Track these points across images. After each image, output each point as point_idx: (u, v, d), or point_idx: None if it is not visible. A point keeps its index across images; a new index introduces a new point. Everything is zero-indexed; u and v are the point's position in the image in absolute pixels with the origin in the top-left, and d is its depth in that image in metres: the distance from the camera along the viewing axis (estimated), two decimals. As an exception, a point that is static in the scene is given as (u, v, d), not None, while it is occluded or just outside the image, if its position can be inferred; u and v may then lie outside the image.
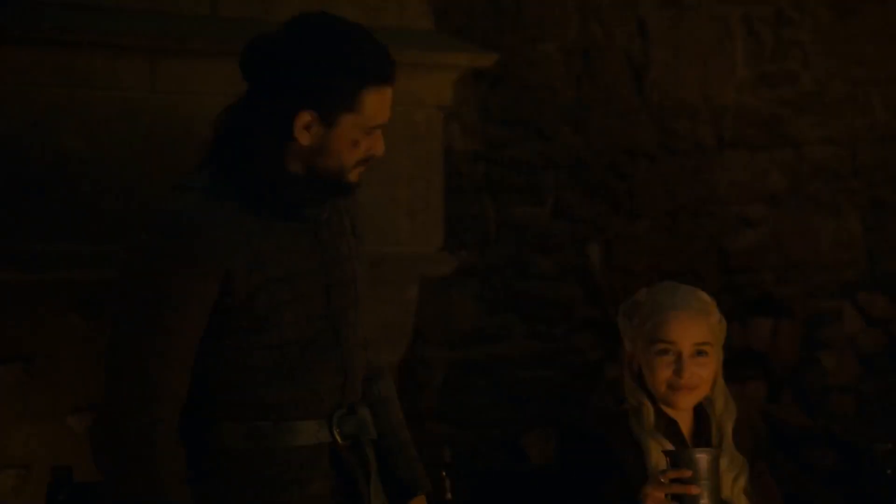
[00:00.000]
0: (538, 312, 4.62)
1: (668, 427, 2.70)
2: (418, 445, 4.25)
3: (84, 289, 4.23)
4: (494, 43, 4.22)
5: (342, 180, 2.20)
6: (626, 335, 2.74)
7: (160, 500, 2.11)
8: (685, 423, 2.74)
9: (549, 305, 4.62)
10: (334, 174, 2.19)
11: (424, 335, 4.49)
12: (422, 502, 2.46)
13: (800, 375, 4.03)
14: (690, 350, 2.65)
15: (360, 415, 2.30)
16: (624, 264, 4.57)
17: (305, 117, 2.14)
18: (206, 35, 3.47)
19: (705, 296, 2.71)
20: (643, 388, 2.71)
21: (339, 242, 2.28)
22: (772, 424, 4.04)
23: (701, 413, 2.75)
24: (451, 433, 4.45)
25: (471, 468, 3.05)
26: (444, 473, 3.01)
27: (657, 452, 2.63)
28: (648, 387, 2.69)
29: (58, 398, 4.16)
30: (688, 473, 2.46)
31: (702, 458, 2.47)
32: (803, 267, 4.09)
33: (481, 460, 4.07)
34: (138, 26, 3.48)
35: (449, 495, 3.00)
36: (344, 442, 2.27)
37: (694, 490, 2.45)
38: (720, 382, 2.75)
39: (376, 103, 2.15)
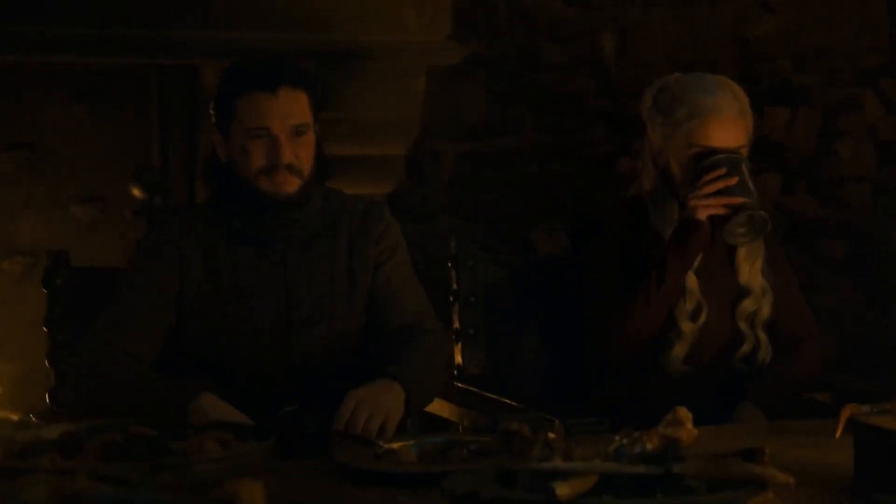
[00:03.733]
0: (549, 105, 4.52)
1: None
2: (425, 237, 4.23)
3: (86, 77, 4.20)
4: None
5: (254, 190, 2.44)
6: (656, 129, 2.72)
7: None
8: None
9: (561, 97, 4.52)
10: (246, 185, 2.44)
11: (432, 128, 4.42)
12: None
13: (815, 166, 3.96)
14: None
15: (310, 414, 2.43)
16: (638, 54, 4.44)
17: (216, 138, 2.50)
18: None
19: (741, 92, 2.71)
20: (665, 181, 2.71)
21: (314, 263, 2.52)
22: (786, 216, 4.01)
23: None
24: (459, 227, 4.42)
25: (478, 259, 3.00)
26: (450, 265, 3.00)
27: None
28: (675, 184, 2.70)
29: (62, 187, 4.20)
30: (722, 170, 2.63)
31: (729, 156, 2.65)
32: (824, 54, 3.96)
33: (490, 253, 4.04)
34: None
35: (454, 286, 2.98)
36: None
37: (732, 180, 2.63)
38: None
39: (249, 108, 2.42)
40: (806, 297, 2.94)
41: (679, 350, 2.72)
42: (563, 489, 1.67)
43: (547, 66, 4.51)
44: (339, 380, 2.49)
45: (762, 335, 2.77)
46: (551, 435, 2.50)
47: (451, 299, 2.98)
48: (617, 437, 1.80)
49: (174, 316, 2.47)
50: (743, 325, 2.77)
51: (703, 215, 2.64)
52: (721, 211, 2.64)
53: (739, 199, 2.62)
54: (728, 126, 2.68)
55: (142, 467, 1.51)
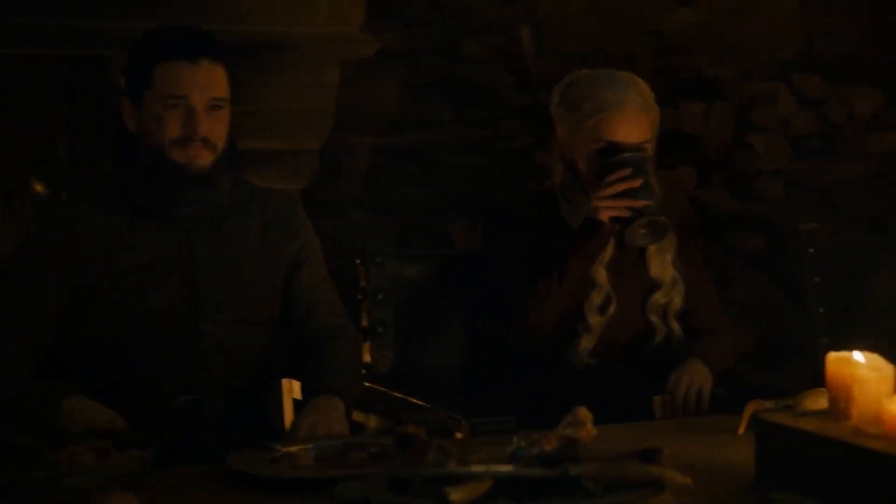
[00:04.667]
0: (467, 97, 4.48)
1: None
2: (340, 234, 4.17)
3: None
4: None
5: (165, 160, 2.37)
6: (563, 124, 2.73)
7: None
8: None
9: (478, 90, 4.48)
10: (157, 156, 2.38)
11: (347, 121, 4.35)
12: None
13: (730, 160, 3.96)
14: None
15: (209, 403, 2.39)
16: (555, 47, 4.41)
17: (126, 105, 2.42)
18: None
19: (646, 88, 2.72)
20: (573, 176, 2.71)
21: (222, 243, 2.45)
22: (700, 210, 4.01)
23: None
24: (375, 221, 4.36)
25: (387, 255, 2.95)
26: (359, 261, 2.95)
27: None
28: (582, 178, 2.70)
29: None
30: (627, 171, 2.62)
31: (634, 155, 2.65)
32: (739, 47, 3.96)
33: (407, 248, 3.99)
34: None
35: (363, 282, 2.93)
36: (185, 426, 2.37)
37: (636, 182, 2.62)
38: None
39: (168, 76, 2.37)
40: (720, 290, 2.94)
41: (586, 343, 2.72)
42: (455, 494, 1.63)
43: (464, 59, 4.46)
44: (247, 369, 2.44)
45: (675, 325, 2.78)
46: (459, 435, 2.47)
47: (360, 296, 2.93)
48: (515, 439, 1.76)
49: (62, 310, 2.37)
50: (654, 319, 2.77)
51: (605, 217, 2.64)
52: (624, 213, 2.63)
53: (641, 203, 2.62)
54: (632, 121, 2.68)
55: (4, 482, 1.43)
